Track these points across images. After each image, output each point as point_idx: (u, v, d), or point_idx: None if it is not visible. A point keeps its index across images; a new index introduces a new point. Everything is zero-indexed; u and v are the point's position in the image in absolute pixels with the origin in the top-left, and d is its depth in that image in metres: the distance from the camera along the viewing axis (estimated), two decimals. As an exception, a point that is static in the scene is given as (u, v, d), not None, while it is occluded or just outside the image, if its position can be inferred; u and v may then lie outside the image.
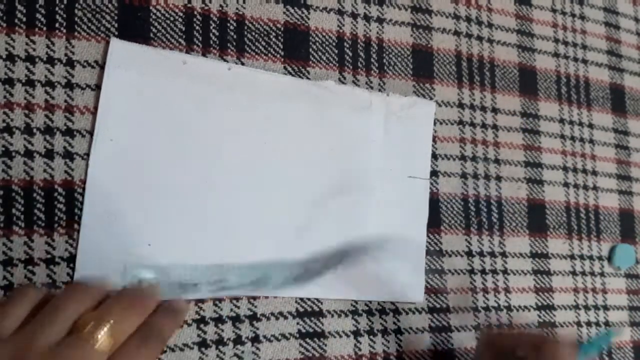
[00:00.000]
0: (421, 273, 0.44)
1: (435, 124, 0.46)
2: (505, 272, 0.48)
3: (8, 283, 0.35)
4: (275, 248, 0.40)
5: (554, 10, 0.54)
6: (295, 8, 0.43)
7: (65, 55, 0.37)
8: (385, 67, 0.46)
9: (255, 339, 0.39)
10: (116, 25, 0.38)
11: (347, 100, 0.43)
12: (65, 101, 0.37)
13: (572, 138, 0.52)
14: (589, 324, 0.50)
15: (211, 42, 0.41)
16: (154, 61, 0.39)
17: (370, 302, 0.43)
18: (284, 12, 0.43)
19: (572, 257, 0.51)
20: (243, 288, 0.39)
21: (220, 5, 0.41)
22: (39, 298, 0.31)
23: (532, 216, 0.49)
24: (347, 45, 0.44)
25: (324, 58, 0.44)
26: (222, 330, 0.39)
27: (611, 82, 0.56)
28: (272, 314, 0.40)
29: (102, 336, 0.29)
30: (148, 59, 0.39)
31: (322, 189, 0.42)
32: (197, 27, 0.40)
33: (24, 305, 0.30)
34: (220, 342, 0.38)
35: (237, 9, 0.42)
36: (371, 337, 0.42)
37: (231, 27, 0.41)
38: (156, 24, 0.39)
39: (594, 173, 0.53)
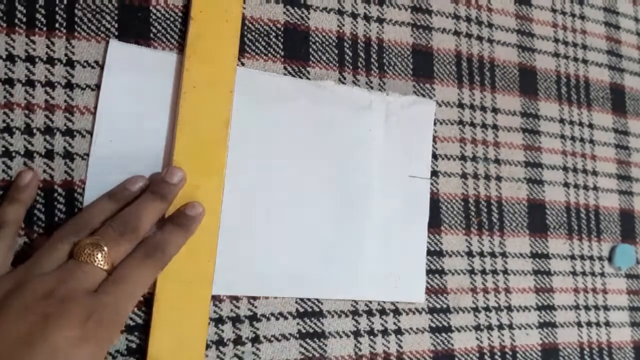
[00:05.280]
0: (421, 273, 0.44)
1: (435, 124, 0.46)
2: (505, 272, 0.48)
3: (8, 283, 0.35)
4: (275, 247, 0.40)
5: (554, 10, 0.54)
6: (295, 8, 0.43)
7: (65, 55, 0.37)
8: (385, 67, 0.46)
9: (256, 339, 0.39)
10: (116, 25, 0.38)
11: (347, 100, 0.43)
12: (65, 101, 0.37)
13: (572, 138, 0.52)
14: (589, 324, 0.50)
15: (211, 42, 0.41)
16: (152, 62, 0.39)
17: (370, 302, 0.43)
18: (284, 12, 0.43)
19: (572, 257, 0.51)
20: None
21: (220, 6, 0.41)
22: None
23: (532, 216, 0.49)
24: (347, 45, 0.44)
25: (324, 58, 0.44)
26: (222, 331, 0.39)
27: (611, 82, 0.56)
28: (272, 314, 0.40)
29: (99, 258, 0.31)
30: (147, 60, 0.39)
31: (322, 188, 0.42)
32: (197, 27, 0.40)
33: (6, 250, 0.32)
34: (220, 342, 0.38)
35: (237, 9, 0.41)
36: (371, 337, 0.42)
37: (231, 27, 0.41)
38: (156, 24, 0.39)
39: (594, 173, 0.53)
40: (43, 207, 0.36)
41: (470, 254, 0.47)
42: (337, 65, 0.44)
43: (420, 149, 0.46)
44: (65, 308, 0.28)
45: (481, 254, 0.47)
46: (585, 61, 0.54)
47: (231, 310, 0.39)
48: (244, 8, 0.42)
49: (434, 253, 0.45)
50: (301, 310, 0.41)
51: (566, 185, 0.51)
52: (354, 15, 0.45)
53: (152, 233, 0.34)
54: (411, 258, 0.44)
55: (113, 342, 0.32)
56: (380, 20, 0.46)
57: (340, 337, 0.42)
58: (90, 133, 0.37)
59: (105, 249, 0.31)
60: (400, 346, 0.43)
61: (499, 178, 0.49)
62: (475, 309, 0.46)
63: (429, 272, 0.45)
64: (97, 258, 0.31)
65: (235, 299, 0.39)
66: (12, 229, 0.33)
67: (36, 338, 0.27)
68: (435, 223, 0.46)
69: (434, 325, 0.44)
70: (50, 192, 0.36)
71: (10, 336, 0.27)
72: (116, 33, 0.38)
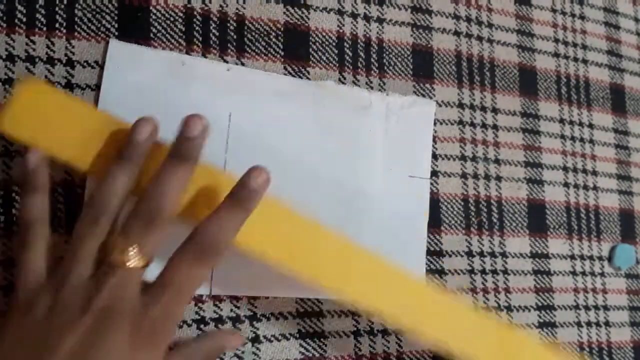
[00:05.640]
0: (421, 273, 0.44)
1: (435, 124, 0.46)
2: (505, 272, 0.48)
3: (8, 283, 0.35)
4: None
5: (554, 10, 0.54)
6: (295, 8, 0.43)
7: (65, 55, 0.37)
8: (385, 67, 0.46)
9: (256, 339, 0.39)
10: (116, 25, 0.38)
11: (347, 100, 0.43)
12: (65, 101, 0.37)
13: (572, 138, 0.52)
14: (589, 324, 0.50)
15: (211, 43, 0.41)
16: (152, 62, 0.39)
17: (371, 302, 0.43)
18: (284, 12, 0.43)
19: (572, 257, 0.51)
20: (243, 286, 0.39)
21: (220, 6, 0.41)
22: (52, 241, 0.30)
23: (532, 216, 0.49)
24: (347, 45, 0.44)
25: (324, 58, 0.44)
26: (222, 331, 0.39)
27: (611, 82, 0.56)
28: (272, 314, 0.40)
29: (132, 258, 0.28)
30: (147, 60, 0.39)
31: (321, 189, 0.42)
32: (197, 28, 0.40)
33: (43, 254, 0.29)
34: (220, 342, 0.38)
35: (237, 9, 0.42)
36: (371, 337, 0.42)
37: (231, 28, 0.41)
38: (156, 24, 0.39)
39: (594, 173, 0.53)
40: (43, 207, 0.36)
41: (470, 254, 0.47)
42: (337, 65, 0.44)
43: (420, 149, 0.46)
44: (109, 321, 0.27)
45: (481, 254, 0.47)
46: (585, 61, 0.54)
47: (231, 310, 0.39)
48: (244, 8, 0.42)
49: (434, 253, 0.45)
50: (301, 310, 0.41)
51: (566, 185, 0.51)
52: (354, 15, 0.45)
53: (206, 219, 0.29)
54: (411, 258, 0.44)
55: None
56: (380, 20, 0.46)
57: (340, 337, 0.42)
58: (90, 133, 0.37)
59: (136, 247, 0.28)
60: (400, 346, 0.43)
61: (499, 178, 0.49)
62: (475, 309, 0.46)
63: (429, 272, 0.45)
64: (129, 259, 0.28)
65: (235, 299, 0.39)
66: (44, 224, 0.30)
67: (89, 352, 0.26)
68: (435, 223, 0.46)
69: (434, 325, 0.44)
70: (50, 192, 0.36)
71: (63, 352, 0.26)
72: (116, 33, 0.38)
